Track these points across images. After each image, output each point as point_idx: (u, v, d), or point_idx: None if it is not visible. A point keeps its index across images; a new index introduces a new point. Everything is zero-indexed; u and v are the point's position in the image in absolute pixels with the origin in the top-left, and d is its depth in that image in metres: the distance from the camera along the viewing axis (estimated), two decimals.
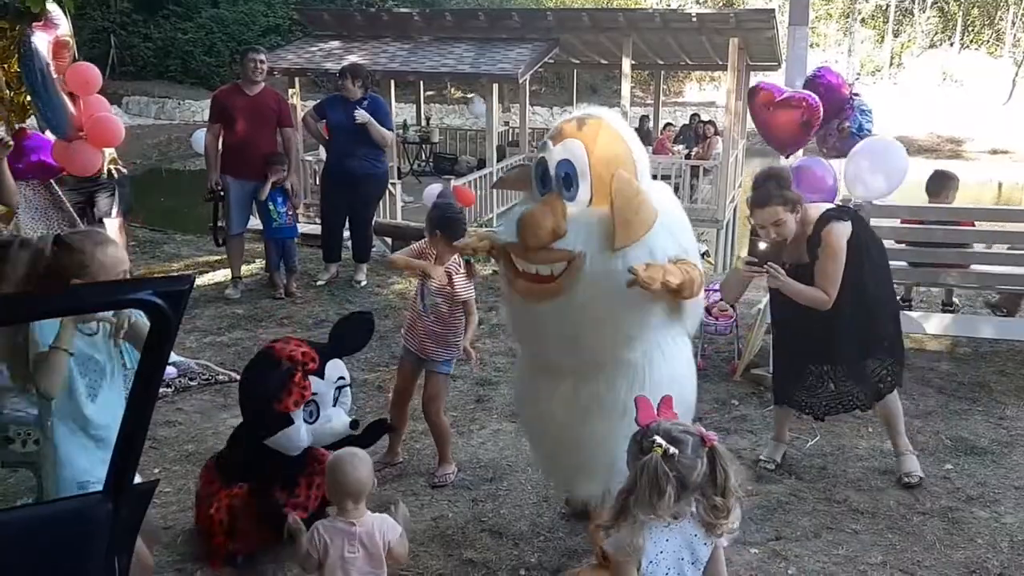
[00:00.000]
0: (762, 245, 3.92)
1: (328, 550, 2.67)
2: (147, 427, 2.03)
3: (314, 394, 3.24)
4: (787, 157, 5.17)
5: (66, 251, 2.56)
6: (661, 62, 18.08)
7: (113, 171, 5.71)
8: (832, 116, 4.91)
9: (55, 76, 4.32)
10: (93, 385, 2.62)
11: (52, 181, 4.96)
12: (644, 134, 14.96)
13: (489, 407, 4.97)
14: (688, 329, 3.16)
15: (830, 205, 4.16)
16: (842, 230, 3.83)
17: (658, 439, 2.04)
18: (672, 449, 2.03)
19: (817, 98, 4.75)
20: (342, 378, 3.39)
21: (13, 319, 2.45)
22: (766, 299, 5.45)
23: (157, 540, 3.19)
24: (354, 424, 3.35)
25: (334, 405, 3.35)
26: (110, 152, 5.42)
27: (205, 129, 7.12)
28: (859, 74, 32.57)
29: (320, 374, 3.28)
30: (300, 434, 3.23)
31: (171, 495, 3.90)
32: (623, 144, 2.88)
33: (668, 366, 2.98)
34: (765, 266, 3.86)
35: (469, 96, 18.67)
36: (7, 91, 4.94)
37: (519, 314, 3.08)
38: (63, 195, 5.07)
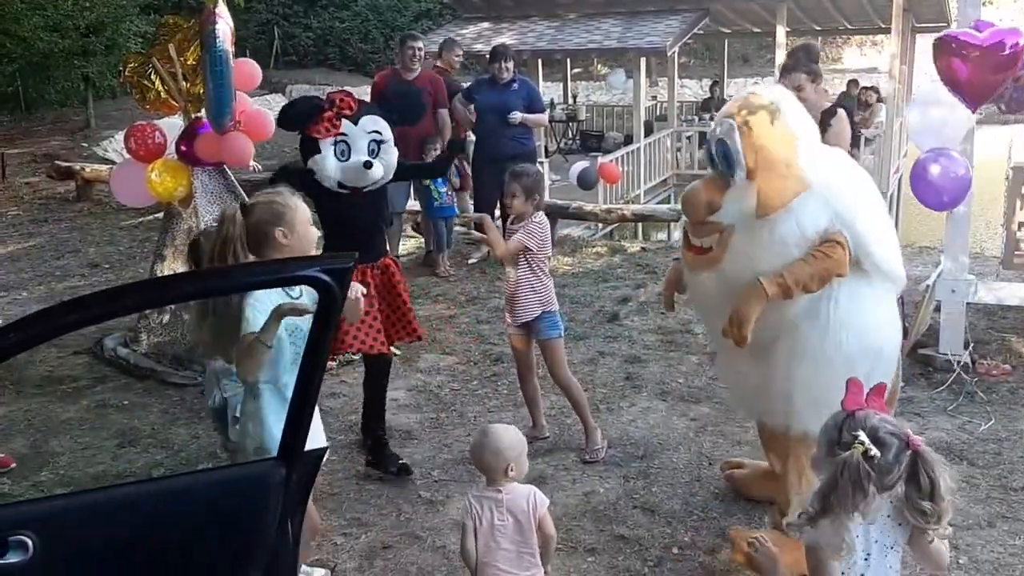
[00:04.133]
0: None
1: (481, 519, 2.71)
2: (316, 397, 2.16)
3: (344, 135, 3.60)
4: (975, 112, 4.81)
5: (259, 208, 2.74)
6: (818, 28, 17.23)
7: None
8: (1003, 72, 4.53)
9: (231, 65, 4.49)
10: (299, 354, 2.59)
11: (225, 167, 5.23)
12: None
13: (639, 384, 4.94)
14: (887, 279, 3.04)
15: None
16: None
17: (862, 436, 1.95)
18: (874, 451, 1.94)
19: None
20: (376, 131, 3.70)
21: (194, 296, 2.65)
22: (935, 274, 5.16)
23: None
24: (367, 164, 3.61)
25: (374, 156, 3.67)
26: None
27: None
28: None
29: (354, 121, 3.64)
30: (328, 163, 3.61)
31: (336, 463, 4.11)
32: (781, 123, 2.93)
33: (849, 313, 2.93)
34: None
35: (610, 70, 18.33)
36: (184, 82, 5.27)
37: (690, 284, 3.22)
38: (235, 180, 5.36)
